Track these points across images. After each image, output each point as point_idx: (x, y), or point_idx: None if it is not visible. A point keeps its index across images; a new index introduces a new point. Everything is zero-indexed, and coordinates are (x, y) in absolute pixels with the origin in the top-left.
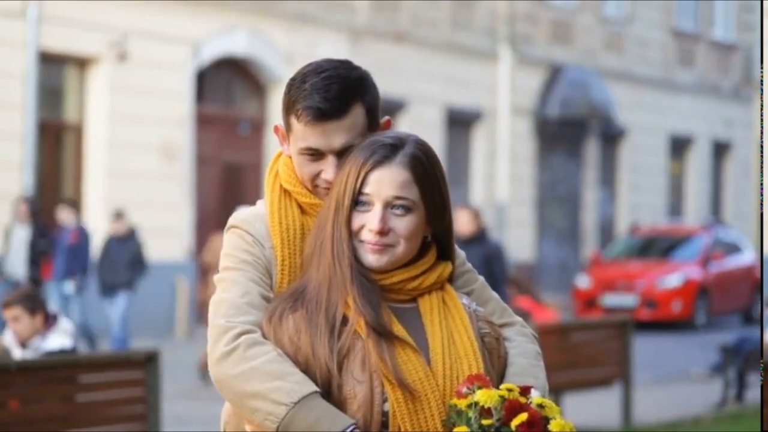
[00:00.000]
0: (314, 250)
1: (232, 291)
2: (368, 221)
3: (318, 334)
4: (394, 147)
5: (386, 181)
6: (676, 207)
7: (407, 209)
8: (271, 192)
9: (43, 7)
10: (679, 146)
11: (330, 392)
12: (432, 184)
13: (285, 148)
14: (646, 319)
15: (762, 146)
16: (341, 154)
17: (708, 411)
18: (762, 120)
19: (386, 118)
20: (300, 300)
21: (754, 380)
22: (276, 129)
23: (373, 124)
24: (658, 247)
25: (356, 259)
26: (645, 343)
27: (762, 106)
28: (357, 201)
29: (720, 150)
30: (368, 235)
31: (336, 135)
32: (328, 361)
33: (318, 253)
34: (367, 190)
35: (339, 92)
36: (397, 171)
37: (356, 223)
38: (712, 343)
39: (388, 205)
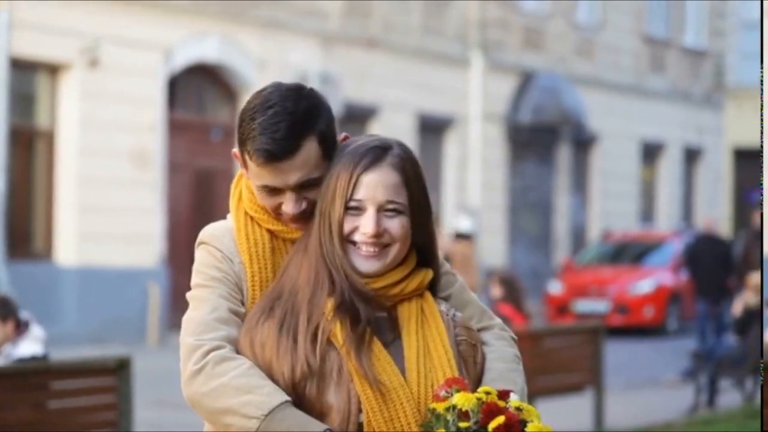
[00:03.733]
0: (297, 250)
1: (201, 308)
2: (361, 225)
3: (300, 334)
4: (383, 149)
5: (379, 185)
6: (647, 213)
7: (398, 212)
8: (236, 212)
9: (14, 13)
10: (650, 152)
11: (303, 401)
12: (418, 188)
13: (245, 173)
14: (617, 325)
15: (762, 146)
16: (299, 187)
17: (679, 417)
18: (762, 120)
19: (343, 134)
20: (277, 305)
21: (725, 386)
22: (235, 155)
23: (328, 148)
24: (629, 253)
25: (347, 262)
26: (617, 349)
27: (762, 106)
28: (348, 206)
29: (691, 156)
30: (362, 238)
31: (290, 173)
32: (311, 360)
33: (301, 254)
34: (359, 195)
35: (287, 131)
36: (388, 173)
37: (348, 226)
38: (683, 348)
39: (380, 209)
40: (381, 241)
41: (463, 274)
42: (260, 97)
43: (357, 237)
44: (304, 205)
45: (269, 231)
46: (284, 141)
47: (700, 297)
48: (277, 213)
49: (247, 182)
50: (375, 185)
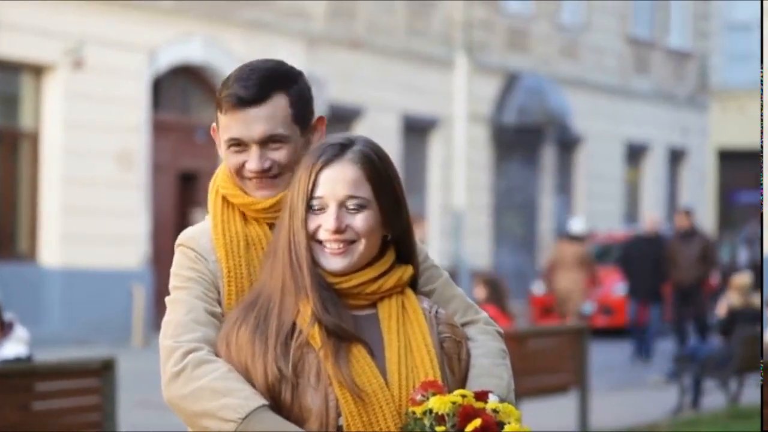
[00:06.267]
0: (268, 255)
1: (178, 310)
2: (324, 221)
3: (270, 339)
4: (343, 146)
5: (338, 180)
6: (632, 214)
7: (361, 206)
8: (213, 204)
9: None
10: (635, 153)
11: (280, 404)
12: (384, 181)
13: (220, 151)
14: (602, 326)
15: (762, 146)
16: (264, 144)
17: (664, 418)
18: (762, 120)
19: (319, 116)
20: (253, 310)
21: (710, 387)
22: (213, 130)
23: (300, 117)
24: (614, 254)
25: (315, 262)
26: (601, 350)
27: (762, 106)
28: (311, 204)
29: (675, 157)
30: (325, 235)
31: (256, 123)
32: (281, 364)
33: (272, 258)
34: (319, 192)
35: (259, 80)
36: (347, 168)
37: (312, 224)
38: (667, 350)
39: (342, 205)
40: (345, 237)
41: (574, 273)
42: (244, 63)
43: (321, 235)
44: (267, 164)
45: (244, 217)
46: (254, 87)
47: (633, 299)
48: (241, 176)
49: (222, 166)
50: (334, 181)
